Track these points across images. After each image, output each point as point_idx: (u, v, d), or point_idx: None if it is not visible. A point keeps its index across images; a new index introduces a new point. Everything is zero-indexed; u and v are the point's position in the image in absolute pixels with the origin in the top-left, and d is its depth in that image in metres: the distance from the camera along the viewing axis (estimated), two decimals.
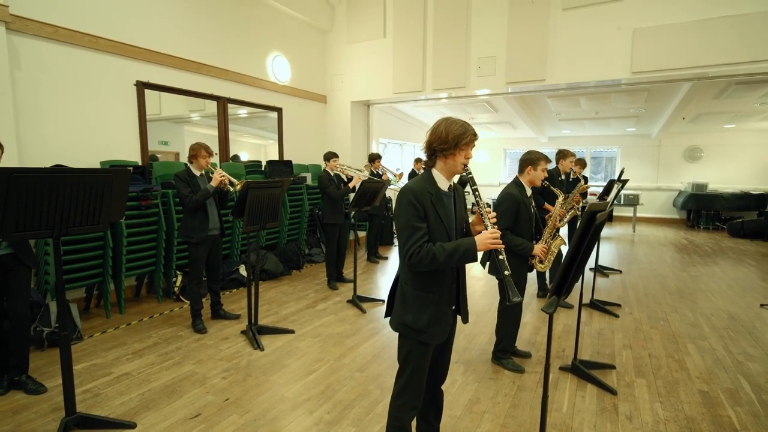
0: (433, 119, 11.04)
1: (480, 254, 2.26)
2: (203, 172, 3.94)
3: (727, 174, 10.92)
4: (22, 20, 3.78)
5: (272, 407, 2.65)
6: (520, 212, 2.96)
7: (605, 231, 10.19)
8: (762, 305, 4.65)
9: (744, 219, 9.48)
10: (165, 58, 5.02)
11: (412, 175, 7.92)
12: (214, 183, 3.80)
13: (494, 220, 1.78)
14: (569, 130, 11.95)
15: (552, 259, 3.09)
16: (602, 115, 9.58)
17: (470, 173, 1.84)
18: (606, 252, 7.65)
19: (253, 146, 7.12)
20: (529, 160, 3.00)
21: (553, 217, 3.06)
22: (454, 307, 1.92)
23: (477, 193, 1.81)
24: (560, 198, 3.10)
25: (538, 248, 2.97)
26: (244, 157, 6.86)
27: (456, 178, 1.97)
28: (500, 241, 1.72)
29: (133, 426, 2.44)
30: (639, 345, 3.63)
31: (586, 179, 6.02)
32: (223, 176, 3.84)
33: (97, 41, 4.34)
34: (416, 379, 1.88)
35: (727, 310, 4.52)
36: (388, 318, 1.94)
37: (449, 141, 1.78)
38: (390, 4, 7.12)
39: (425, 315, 1.81)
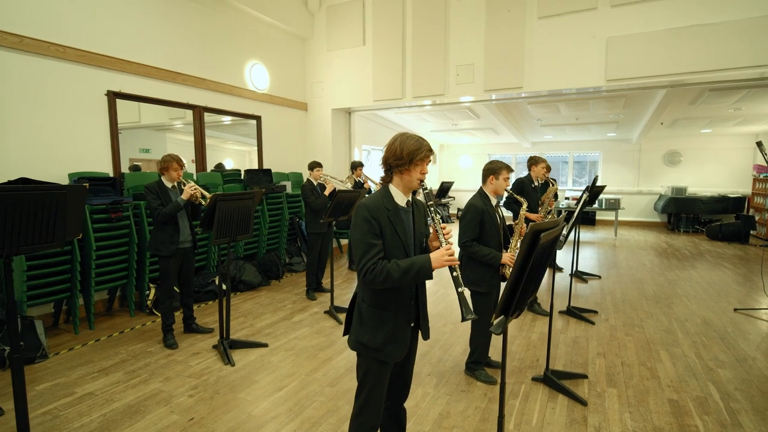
0: (417, 126, 11.09)
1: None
2: (175, 184, 3.87)
3: (706, 177, 11.12)
4: None
5: (238, 426, 2.59)
6: (485, 222, 2.96)
7: (588, 235, 10.29)
8: (735, 309, 4.71)
9: (722, 222, 9.65)
10: (137, 68, 4.94)
11: None
12: (185, 196, 3.73)
13: (450, 236, 1.76)
14: (551, 136, 12.07)
15: None
16: (582, 120, 9.69)
17: (426, 189, 1.82)
18: (587, 257, 7.71)
19: (238, 153, 7.05)
20: (491, 170, 3.00)
21: (519, 225, 3.06)
22: (413, 324, 1.89)
23: (432, 209, 1.79)
24: (524, 206, 3.10)
25: (506, 257, 2.96)
26: (229, 164, 6.79)
27: (421, 191, 1.95)
28: (455, 258, 1.70)
29: None
30: (613, 353, 3.64)
31: (554, 181, 6.06)
32: (194, 189, 3.77)
33: (65, 51, 4.26)
34: (374, 398, 1.84)
35: (702, 315, 4.57)
36: (347, 336, 1.91)
37: (404, 157, 1.76)
38: (369, 12, 7.13)
39: (382, 333, 1.78)
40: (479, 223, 2.97)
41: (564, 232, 3.52)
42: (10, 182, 3.68)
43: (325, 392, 2.99)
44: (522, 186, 4.60)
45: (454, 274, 1.69)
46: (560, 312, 4.63)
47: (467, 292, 1.66)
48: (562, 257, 7.25)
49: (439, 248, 1.75)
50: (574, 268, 6.24)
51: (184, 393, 2.98)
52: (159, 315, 4.55)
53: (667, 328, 4.18)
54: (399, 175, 1.81)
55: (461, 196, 13.28)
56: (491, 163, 3.07)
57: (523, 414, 2.72)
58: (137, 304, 4.72)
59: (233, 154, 6.99)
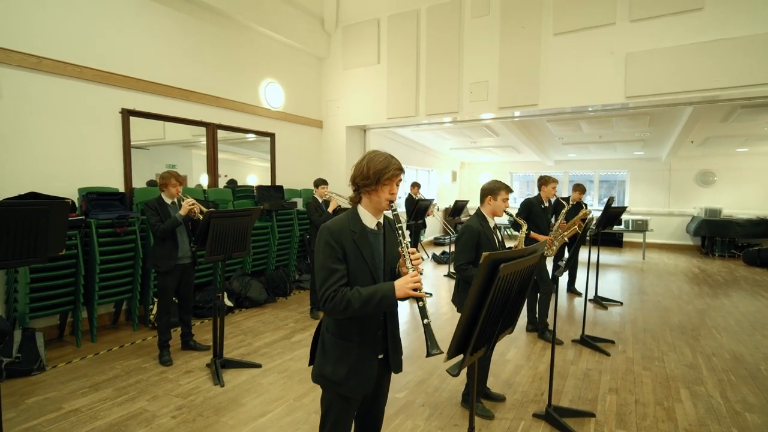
0: (436, 143, 11.00)
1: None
2: (174, 201, 3.89)
3: (743, 199, 10.47)
4: (5, 51, 3.87)
5: None
6: (482, 244, 2.80)
7: (613, 258, 9.82)
8: None
9: (761, 247, 9.01)
10: (152, 86, 5.08)
11: (408, 199, 7.80)
12: (183, 212, 3.74)
13: (418, 261, 1.63)
14: (575, 154, 11.72)
15: None
16: (606, 138, 9.35)
17: (395, 210, 1.71)
18: (610, 281, 7.31)
19: (262, 169, 7.11)
20: (489, 189, 2.85)
21: (518, 247, 2.87)
22: (383, 357, 1.76)
23: (401, 232, 1.67)
24: (523, 228, 2.92)
25: None
26: (252, 180, 6.89)
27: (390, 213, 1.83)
28: (421, 286, 1.57)
29: None
30: (627, 389, 3.35)
31: (585, 205, 5.79)
32: (192, 205, 3.78)
33: (81, 71, 4.42)
34: None
35: (732, 349, 4.19)
36: (311, 368, 1.79)
37: (371, 177, 1.66)
38: (384, 31, 7.16)
39: (344, 366, 1.65)
40: (475, 245, 2.82)
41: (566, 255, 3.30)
42: (20, 196, 3.80)
43: (310, 420, 2.86)
44: (530, 206, 4.40)
45: (420, 304, 1.55)
46: (573, 341, 4.35)
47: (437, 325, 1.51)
48: (582, 281, 6.88)
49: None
50: (593, 293, 5.92)
51: (168, 414, 2.91)
52: None
53: (691, 364, 3.84)
54: (367, 196, 1.70)
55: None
56: (489, 183, 2.93)
57: None
58: (141, 318, 4.74)
59: (256, 170, 7.07)
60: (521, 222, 3.01)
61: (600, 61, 5.56)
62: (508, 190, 2.90)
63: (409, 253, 1.64)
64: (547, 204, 4.47)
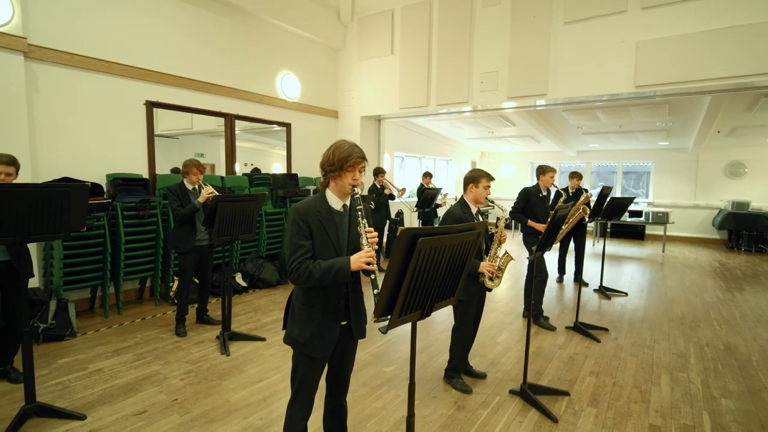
0: (453, 133, 11.05)
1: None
2: (195, 187, 4.21)
3: None
4: (41, 49, 4.27)
5: (213, 410, 2.80)
6: None
7: (633, 250, 9.67)
8: None
9: None
10: (174, 79, 5.44)
11: (420, 189, 7.96)
12: (201, 199, 4.05)
13: (373, 240, 1.84)
14: (597, 144, 11.50)
15: (501, 276, 3.05)
16: (626, 128, 9.16)
17: (357, 194, 1.91)
18: (622, 273, 7.27)
19: (285, 158, 7.44)
20: (471, 178, 3.00)
21: (498, 233, 3.02)
22: (346, 323, 1.98)
23: (360, 213, 1.88)
24: (504, 214, 3.06)
25: (484, 265, 2.94)
26: (277, 168, 7.24)
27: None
28: (374, 261, 1.78)
29: (83, 418, 2.67)
30: (608, 373, 3.46)
31: (585, 190, 5.80)
32: (210, 193, 4.08)
33: (109, 65, 4.80)
34: (304, 391, 1.96)
35: (727, 340, 4.19)
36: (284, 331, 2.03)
37: (335, 163, 1.87)
38: (398, 22, 7.28)
39: (309, 329, 1.89)
40: None
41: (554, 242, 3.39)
42: (55, 180, 4.23)
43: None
44: (528, 196, 4.49)
45: (372, 277, 1.76)
46: (567, 327, 4.45)
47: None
48: (591, 271, 6.89)
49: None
50: (599, 284, 5.95)
51: (177, 376, 3.26)
52: None
53: (681, 352, 3.89)
54: (333, 181, 1.92)
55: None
56: (471, 171, 3.08)
57: (487, 425, 2.69)
58: (162, 294, 5.16)
59: (282, 158, 7.39)
60: (503, 209, 3.15)
61: (610, 50, 5.52)
62: (489, 178, 3.04)
63: (366, 232, 1.84)
64: (545, 193, 4.55)
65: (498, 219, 3.36)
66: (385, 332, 1.49)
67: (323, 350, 1.90)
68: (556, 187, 4.64)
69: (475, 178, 3.02)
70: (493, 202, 3.05)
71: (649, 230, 11.25)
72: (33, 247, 4.15)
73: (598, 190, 5.83)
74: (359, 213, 1.88)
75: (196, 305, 4.50)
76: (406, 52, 7.19)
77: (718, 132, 8.85)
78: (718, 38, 4.85)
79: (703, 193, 10.91)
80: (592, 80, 5.67)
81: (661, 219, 9.58)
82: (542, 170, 4.49)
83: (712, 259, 8.71)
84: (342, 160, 1.86)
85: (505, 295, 5.76)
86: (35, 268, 3.70)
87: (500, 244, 3.04)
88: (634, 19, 5.35)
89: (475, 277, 3.01)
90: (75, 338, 3.98)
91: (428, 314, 1.63)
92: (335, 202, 1.93)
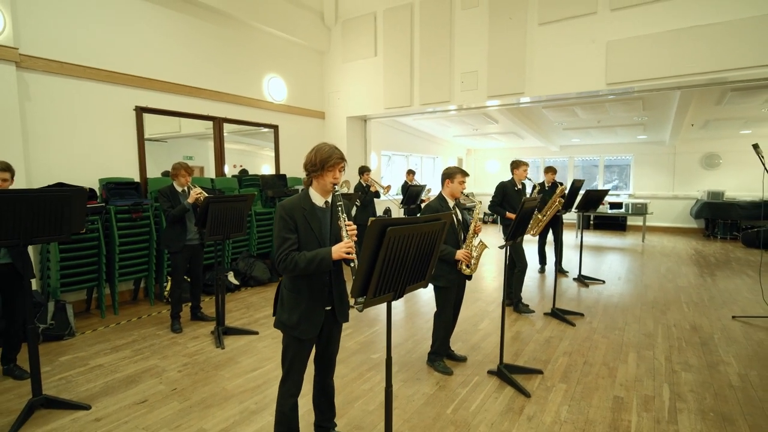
0: (438, 131, 11.28)
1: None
2: (184, 189, 4.38)
3: (747, 181, 10.43)
4: (32, 59, 4.40)
5: (210, 397, 2.99)
6: None
7: (614, 241, 10.00)
8: (734, 317, 4.56)
9: (763, 228, 9.05)
10: (162, 85, 5.58)
11: (405, 186, 8.17)
12: (190, 200, 4.23)
13: (353, 232, 2.04)
14: (578, 139, 11.82)
15: (476, 264, 3.28)
16: (605, 123, 9.48)
17: (337, 191, 2.11)
18: (602, 262, 7.57)
19: (274, 159, 7.59)
20: (447, 174, 3.23)
21: (473, 225, 3.24)
22: (330, 309, 2.19)
23: (340, 208, 2.08)
24: (478, 207, 3.28)
25: (460, 253, 3.17)
26: (266, 170, 7.39)
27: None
28: (353, 251, 1.98)
29: (88, 408, 2.84)
30: (580, 353, 3.71)
31: (560, 183, 6.06)
32: (198, 194, 4.26)
33: (99, 73, 4.94)
34: (294, 371, 2.16)
35: (694, 321, 4.48)
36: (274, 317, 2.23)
37: (317, 164, 2.07)
38: (380, 24, 7.48)
39: (297, 313, 2.09)
40: None
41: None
42: (49, 186, 4.36)
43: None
44: (504, 189, 4.74)
45: (351, 265, 1.97)
46: (545, 313, 4.71)
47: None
48: (573, 261, 7.16)
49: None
50: (578, 273, 6.22)
51: (175, 369, 3.44)
52: None
53: (649, 333, 4.16)
54: (316, 180, 2.12)
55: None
56: (447, 168, 3.31)
57: (465, 401, 2.92)
58: (157, 294, 5.32)
59: (270, 160, 7.54)
60: (477, 202, 3.37)
61: (582, 50, 5.78)
62: (464, 174, 3.26)
63: (345, 225, 2.05)
64: (520, 186, 4.80)
65: (472, 210, 3.54)
66: (361, 310, 1.70)
67: (310, 332, 2.11)
68: (530, 180, 4.89)
69: (451, 174, 3.25)
70: (467, 196, 3.27)
71: (631, 221, 11.62)
72: (30, 251, 4.28)
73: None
74: (339, 208, 2.08)
75: (189, 303, 4.66)
76: (389, 53, 7.39)
77: (692, 125, 9.20)
78: (683, 37, 5.13)
79: (681, 184, 11.29)
80: (566, 78, 5.93)
81: (640, 210, 9.92)
82: (516, 165, 4.74)
83: (689, 247, 9.07)
84: (323, 161, 2.06)
85: (487, 285, 6.01)
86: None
87: (476, 233, 3.27)
88: (604, 20, 5.62)
89: (453, 264, 3.23)
90: (74, 337, 4.13)
91: (401, 295, 1.84)
92: (318, 199, 2.14)
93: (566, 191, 5.47)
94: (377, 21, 7.53)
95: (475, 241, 3.29)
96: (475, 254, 3.26)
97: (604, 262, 7.56)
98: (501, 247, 3.13)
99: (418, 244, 1.78)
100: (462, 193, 3.30)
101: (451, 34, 6.79)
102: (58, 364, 3.54)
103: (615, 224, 11.69)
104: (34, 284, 4.39)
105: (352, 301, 1.88)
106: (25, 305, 2.84)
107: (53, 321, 4.08)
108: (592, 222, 12.09)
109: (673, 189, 11.38)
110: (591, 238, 10.49)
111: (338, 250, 1.98)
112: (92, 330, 4.33)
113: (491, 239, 9.39)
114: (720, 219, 9.96)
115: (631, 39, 5.44)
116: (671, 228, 11.35)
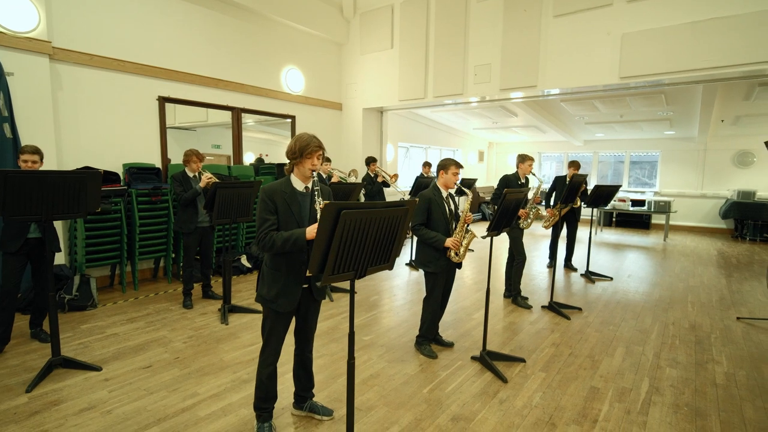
0: (458, 124, 11.27)
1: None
2: (196, 174, 4.66)
3: None
4: (64, 51, 4.76)
5: (208, 366, 3.25)
6: (432, 210, 3.32)
7: (635, 239, 9.77)
8: (738, 318, 4.47)
9: None
10: (184, 76, 5.89)
11: (420, 178, 8.25)
12: (201, 184, 4.50)
13: None
14: (603, 134, 11.53)
15: (464, 252, 3.37)
16: (628, 118, 9.23)
17: (314, 178, 2.28)
18: (615, 259, 7.45)
19: None
20: (441, 165, 3.35)
21: (464, 214, 3.34)
22: (307, 286, 2.36)
23: (317, 192, 2.25)
24: (469, 196, 3.37)
25: (449, 241, 3.28)
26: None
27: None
28: None
29: (99, 369, 3.16)
30: (568, 345, 3.76)
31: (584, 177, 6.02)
32: (209, 179, 4.53)
33: (125, 65, 5.28)
34: (272, 342, 2.36)
35: (694, 320, 4.42)
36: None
37: (297, 152, 2.24)
38: (397, 17, 7.56)
39: (275, 288, 2.28)
40: (426, 210, 3.34)
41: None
42: (78, 169, 4.73)
43: (287, 350, 3.54)
44: (507, 182, 4.77)
45: None
46: (542, 306, 4.75)
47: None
48: (583, 257, 7.09)
49: None
50: (585, 269, 6.18)
51: (181, 340, 3.73)
52: None
53: (644, 329, 4.15)
54: (296, 167, 2.29)
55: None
56: (442, 160, 3.43)
57: (443, 383, 3.05)
58: (174, 274, 5.67)
59: None
60: (468, 192, 3.46)
61: (597, 42, 5.69)
62: (458, 165, 3.37)
63: (320, 208, 2.21)
64: (523, 180, 4.82)
65: (460, 199, 3.61)
66: (319, 286, 1.86)
67: (287, 306, 2.29)
68: (534, 175, 4.90)
69: (445, 165, 3.36)
70: (460, 186, 3.37)
71: (655, 219, 11.28)
72: (59, 227, 4.68)
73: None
74: (316, 192, 2.25)
75: (202, 283, 4.97)
76: (405, 45, 7.47)
77: (722, 121, 8.84)
78: (701, 29, 4.98)
79: (710, 182, 10.86)
80: (580, 71, 5.86)
81: (663, 208, 9.63)
82: (522, 159, 4.76)
83: (713, 247, 8.76)
84: (302, 149, 2.22)
85: (492, 277, 6.06)
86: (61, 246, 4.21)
87: (465, 223, 3.37)
88: (620, 12, 5.51)
89: (443, 251, 3.35)
90: (96, 309, 4.50)
91: (363, 275, 1.99)
92: (298, 184, 2.31)
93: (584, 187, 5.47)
94: (394, 13, 7.61)
95: (465, 231, 3.39)
96: (464, 243, 3.36)
97: (619, 260, 7.44)
98: (483, 237, 3.21)
99: (378, 228, 1.92)
100: (455, 183, 3.40)
101: (465, 26, 6.80)
102: (79, 331, 3.90)
103: (638, 222, 11.38)
104: (63, 259, 4.80)
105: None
106: (48, 274, 3.17)
107: (77, 293, 4.47)
108: (614, 219, 11.81)
109: (702, 187, 10.95)
110: (611, 235, 10.28)
111: (311, 231, 2.14)
112: (113, 303, 4.70)
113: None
114: (750, 220, 9.55)
115: (647, 31, 5.31)
116: (698, 227, 10.95)
